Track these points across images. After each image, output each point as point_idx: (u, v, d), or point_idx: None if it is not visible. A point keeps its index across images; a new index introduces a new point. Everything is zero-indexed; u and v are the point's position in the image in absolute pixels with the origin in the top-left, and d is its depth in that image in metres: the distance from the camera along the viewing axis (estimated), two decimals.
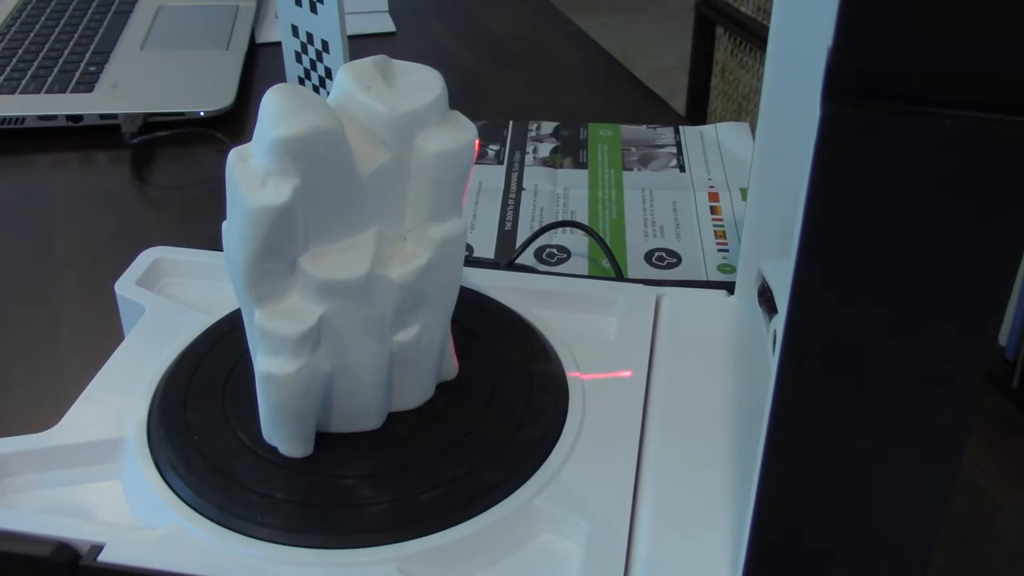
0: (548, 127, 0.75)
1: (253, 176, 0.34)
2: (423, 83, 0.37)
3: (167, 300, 0.48)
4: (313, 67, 0.67)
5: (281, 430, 0.38)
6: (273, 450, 0.39)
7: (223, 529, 0.36)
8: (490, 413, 0.41)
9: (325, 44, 0.64)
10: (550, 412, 0.41)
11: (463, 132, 0.37)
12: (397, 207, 0.37)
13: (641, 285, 0.48)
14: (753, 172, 0.44)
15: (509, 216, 0.65)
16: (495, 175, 0.69)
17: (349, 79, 0.37)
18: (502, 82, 0.85)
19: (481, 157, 0.70)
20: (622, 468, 0.39)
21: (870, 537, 0.30)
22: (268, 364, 0.36)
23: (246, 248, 0.35)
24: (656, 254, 0.61)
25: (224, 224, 0.36)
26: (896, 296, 0.24)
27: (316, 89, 0.68)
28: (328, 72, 0.66)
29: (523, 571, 0.36)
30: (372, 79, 0.37)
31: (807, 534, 0.31)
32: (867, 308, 0.25)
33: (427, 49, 0.90)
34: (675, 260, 0.61)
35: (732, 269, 0.60)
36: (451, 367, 0.42)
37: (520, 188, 0.68)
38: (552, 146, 0.73)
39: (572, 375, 0.43)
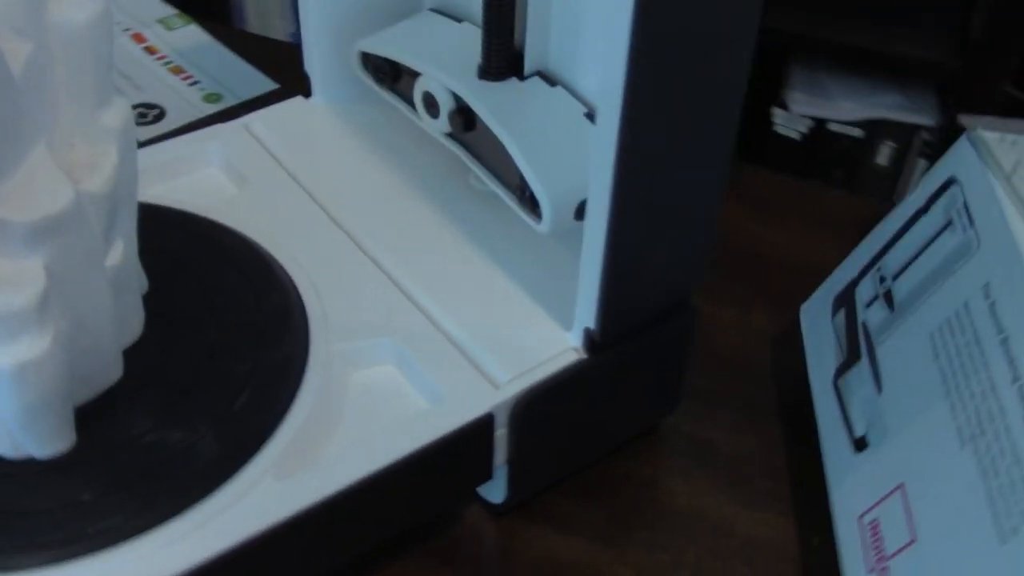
0: None
1: None
2: None
3: None
4: None
5: (45, 424, 0.30)
6: (30, 460, 0.31)
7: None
8: (225, 320, 0.36)
9: None
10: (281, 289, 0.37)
11: None
12: (53, 108, 0.30)
13: (224, 124, 0.44)
14: None
15: None
16: None
17: None
18: None
19: None
20: (380, 285, 0.38)
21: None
22: (14, 353, 0.28)
23: None
24: (137, 111, 0.55)
25: None
26: None
27: None
28: None
29: (359, 410, 0.35)
30: None
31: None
32: None
33: None
34: (158, 112, 0.56)
35: (217, 96, 0.57)
36: (143, 281, 0.36)
37: None
38: None
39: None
